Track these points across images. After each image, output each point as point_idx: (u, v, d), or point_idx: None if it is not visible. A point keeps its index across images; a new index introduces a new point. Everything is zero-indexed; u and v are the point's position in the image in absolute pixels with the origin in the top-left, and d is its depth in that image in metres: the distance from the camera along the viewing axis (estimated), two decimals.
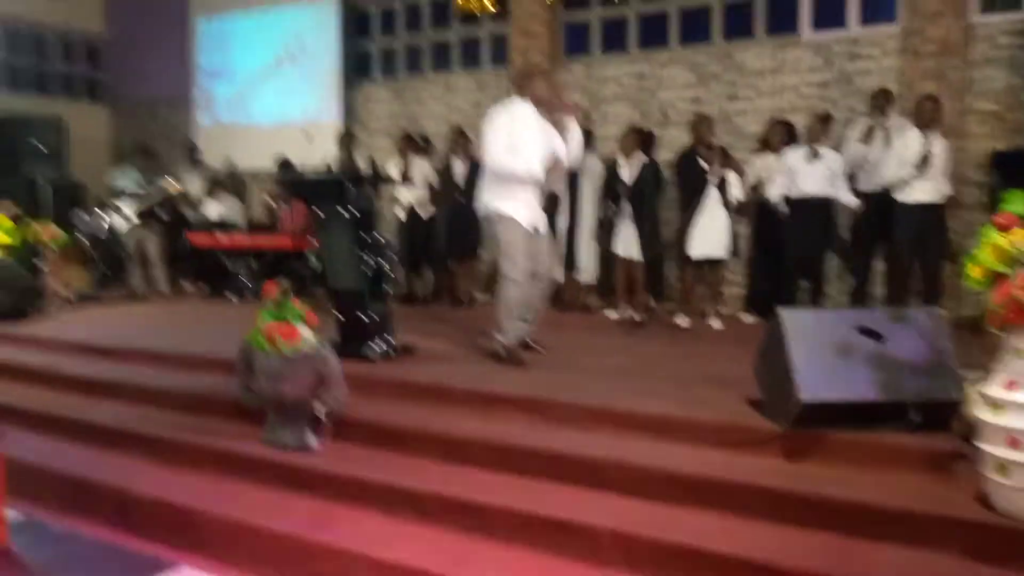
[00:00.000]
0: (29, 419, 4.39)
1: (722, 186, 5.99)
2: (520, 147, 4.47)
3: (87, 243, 8.25)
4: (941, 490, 2.82)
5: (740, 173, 6.21)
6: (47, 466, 3.81)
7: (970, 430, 2.98)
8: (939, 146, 5.56)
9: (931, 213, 5.61)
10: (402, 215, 7.72)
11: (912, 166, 5.51)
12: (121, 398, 4.51)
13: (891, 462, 2.98)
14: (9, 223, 6.84)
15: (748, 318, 6.52)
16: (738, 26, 7.51)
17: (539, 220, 4.65)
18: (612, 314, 6.68)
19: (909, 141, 5.60)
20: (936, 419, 3.09)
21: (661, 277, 7.11)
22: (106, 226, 7.94)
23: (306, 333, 3.62)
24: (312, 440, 3.63)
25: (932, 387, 3.11)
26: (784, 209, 6.00)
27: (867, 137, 6.03)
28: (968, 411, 3.04)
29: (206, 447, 3.76)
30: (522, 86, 4.66)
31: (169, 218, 8.10)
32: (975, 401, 2.93)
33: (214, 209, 8.47)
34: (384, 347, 4.64)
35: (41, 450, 4.01)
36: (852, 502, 2.74)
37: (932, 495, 2.78)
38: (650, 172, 6.19)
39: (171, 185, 7.96)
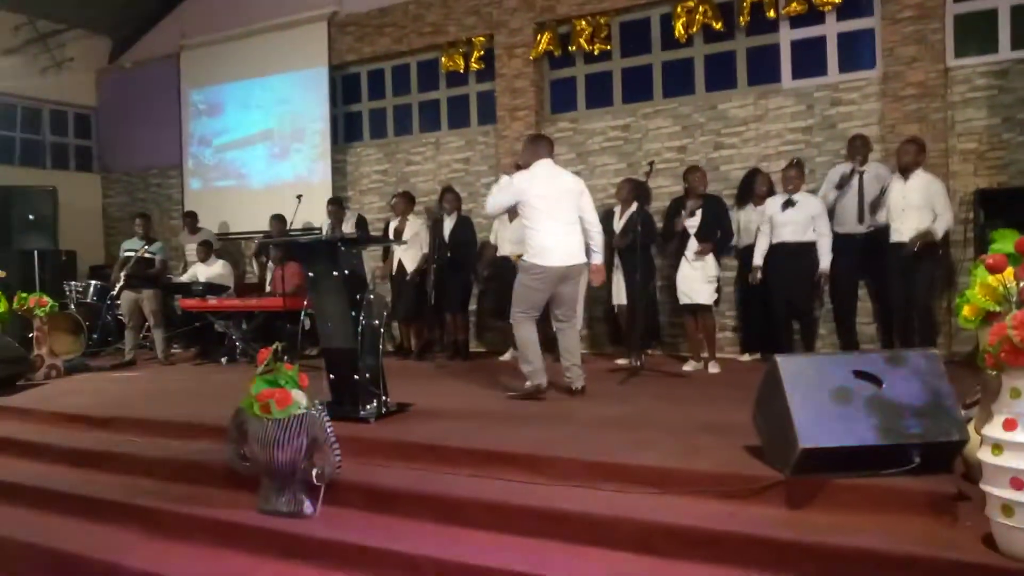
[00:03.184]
0: (15, 492, 4.30)
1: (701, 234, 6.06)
2: None
3: (76, 310, 8.25)
4: (945, 533, 2.77)
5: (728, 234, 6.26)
6: (35, 542, 3.71)
7: (972, 471, 2.95)
8: (917, 187, 5.63)
9: (919, 252, 5.64)
10: (393, 271, 7.77)
11: (868, 212, 5.64)
12: (109, 468, 4.42)
13: (894, 506, 2.94)
14: None
15: (745, 358, 6.55)
16: (720, 77, 7.66)
17: None
18: (610, 363, 6.70)
19: (882, 185, 5.73)
20: (938, 461, 3.06)
21: (656, 325, 7.14)
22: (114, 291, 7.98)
23: (298, 396, 3.58)
24: (307, 506, 3.56)
25: (932, 429, 3.07)
26: (756, 278, 6.12)
27: (841, 185, 6.13)
28: (970, 452, 3.02)
29: (198, 517, 3.68)
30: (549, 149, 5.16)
31: (157, 282, 8.07)
32: (976, 443, 2.90)
33: (204, 272, 8.49)
34: (377, 406, 4.60)
35: (29, 525, 3.91)
36: (856, 549, 2.69)
37: (936, 538, 2.72)
38: (639, 221, 6.24)
39: (143, 250, 7.95)
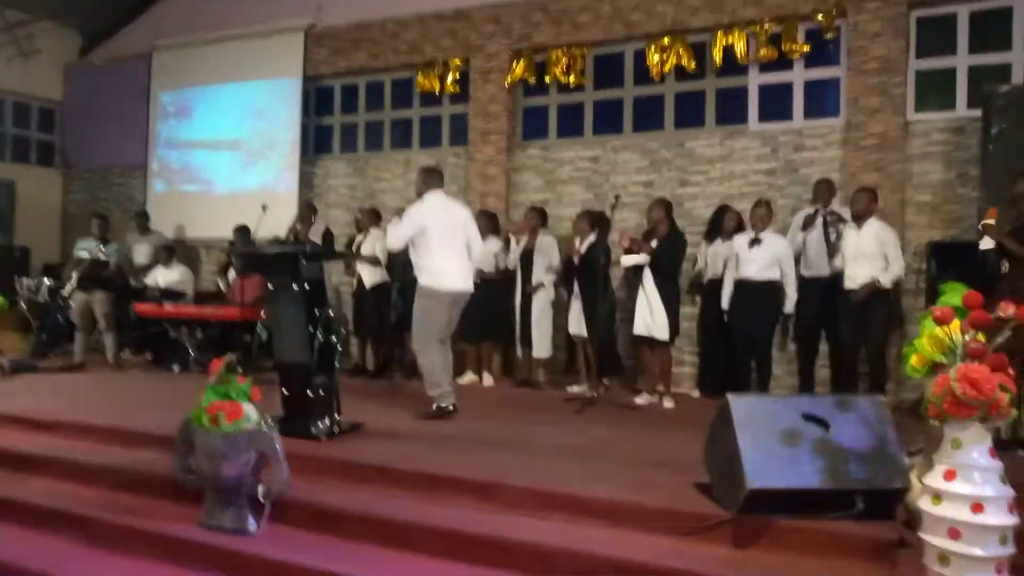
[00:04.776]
0: None
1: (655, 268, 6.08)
2: None
3: (27, 309, 8.04)
4: None
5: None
6: None
7: (913, 519, 3.01)
8: (870, 235, 5.79)
9: (870, 298, 5.79)
10: (353, 286, 7.72)
11: (826, 255, 5.80)
12: (51, 474, 4.30)
13: (836, 550, 2.99)
14: None
15: (696, 394, 6.62)
16: (689, 115, 7.79)
17: None
18: (566, 391, 6.72)
19: (841, 231, 5.93)
20: (881, 507, 3.12)
21: (614, 355, 7.17)
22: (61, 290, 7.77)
23: (249, 410, 3.53)
24: (251, 523, 3.49)
25: (877, 475, 3.14)
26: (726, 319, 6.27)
27: (806, 226, 6.28)
28: (911, 500, 3.08)
29: (140, 529, 3.60)
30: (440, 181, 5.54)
31: (111, 285, 7.89)
32: (918, 491, 2.96)
33: (163, 277, 8.33)
34: (330, 424, 4.55)
35: None
36: None
37: None
38: (598, 253, 6.29)
39: (101, 253, 7.80)
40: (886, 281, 5.74)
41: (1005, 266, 4.74)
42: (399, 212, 5.44)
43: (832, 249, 5.94)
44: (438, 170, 5.69)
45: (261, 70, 9.74)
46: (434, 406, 5.22)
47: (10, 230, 9.77)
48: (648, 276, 6.07)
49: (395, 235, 5.31)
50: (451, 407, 5.25)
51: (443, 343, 5.36)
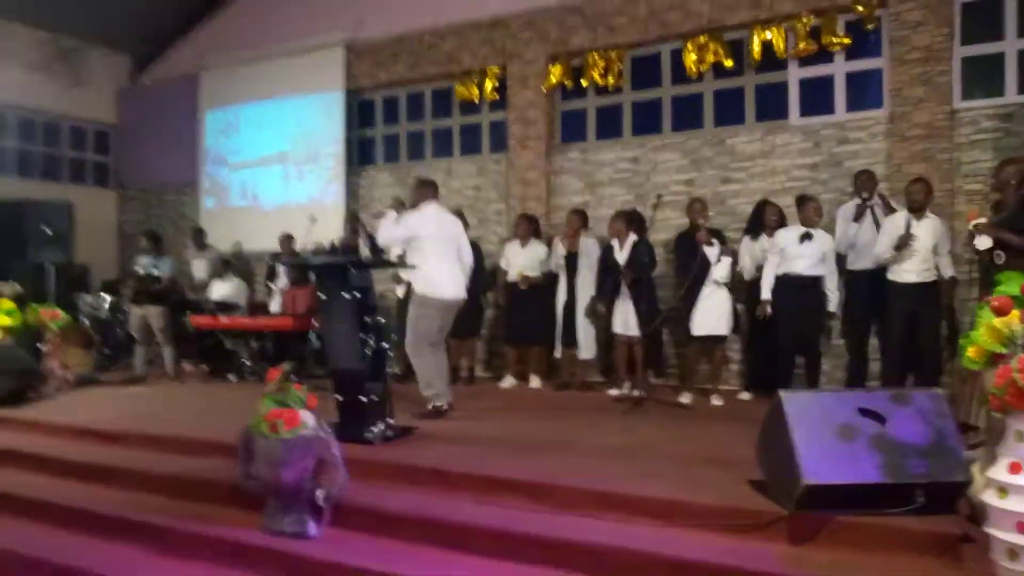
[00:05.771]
0: (22, 506, 4.32)
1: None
2: None
3: (89, 324, 8.32)
4: (950, 575, 2.78)
5: (733, 257, 6.28)
6: (38, 555, 3.73)
7: (977, 513, 2.96)
8: (927, 228, 5.67)
9: (922, 292, 5.67)
10: (401, 294, 7.81)
11: (892, 248, 5.65)
12: (117, 484, 4.45)
13: (898, 546, 2.94)
14: (11, 304, 6.90)
15: (745, 395, 6.54)
16: (729, 112, 7.73)
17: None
18: (612, 392, 6.71)
19: (896, 222, 5.75)
20: (942, 502, 3.07)
21: (661, 354, 7.16)
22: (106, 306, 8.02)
23: (306, 417, 3.62)
24: (312, 527, 3.58)
25: (936, 469, 3.09)
26: (767, 311, 6.10)
27: (858, 217, 6.16)
28: (974, 494, 3.03)
29: (203, 535, 3.70)
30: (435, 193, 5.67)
31: (164, 299, 8.13)
32: (981, 485, 2.91)
33: (218, 290, 8.55)
34: (384, 429, 4.63)
35: (33, 539, 3.94)
36: None
37: None
38: (642, 251, 6.29)
39: (154, 268, 8.06)
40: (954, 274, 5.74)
41: (1001, 257, 4.56)
42: (396, 205, 5.56)
43: (904, 241, 5.63)
44: (433, 182, 5.81)
45: (304, 85, 9.94)
46: (429, 406, 5.34)
47: (70, 249, 10.09)
48: (714, 272, 6.07)
49: (387, 236, 5.43)
50: (445, 406, 5.36)
51: (436, 347, 5.47)
